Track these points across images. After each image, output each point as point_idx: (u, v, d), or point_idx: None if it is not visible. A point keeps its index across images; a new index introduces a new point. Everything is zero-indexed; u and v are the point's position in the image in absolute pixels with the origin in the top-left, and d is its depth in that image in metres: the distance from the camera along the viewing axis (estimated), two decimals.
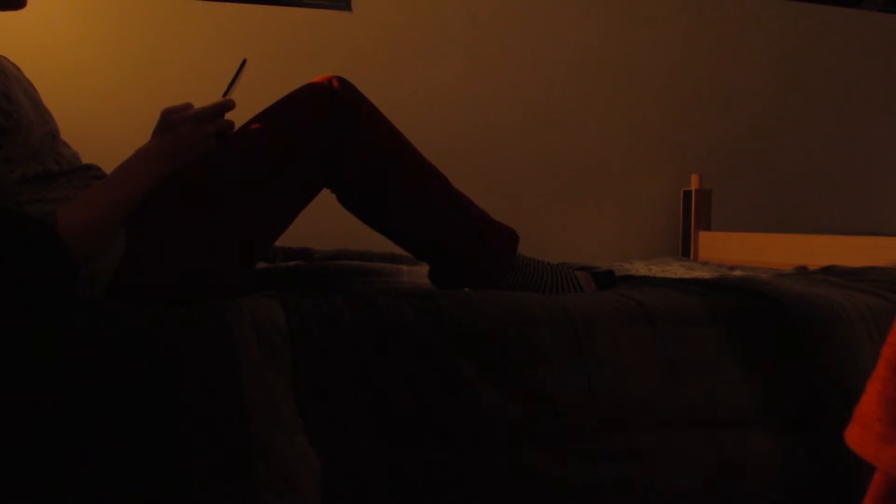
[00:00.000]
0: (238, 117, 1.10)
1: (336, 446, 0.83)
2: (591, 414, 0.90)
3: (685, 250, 2.34)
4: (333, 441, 0.83)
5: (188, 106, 1.06)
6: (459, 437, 0.86)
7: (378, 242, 1.31)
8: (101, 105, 1.93)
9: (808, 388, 0.98)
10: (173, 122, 1.04)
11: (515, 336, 0.92)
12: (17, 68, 1.15)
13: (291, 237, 1.30)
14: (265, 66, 1.93)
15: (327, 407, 0.84)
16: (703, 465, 0.91)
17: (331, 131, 1.09)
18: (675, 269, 1.74)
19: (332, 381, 0.85)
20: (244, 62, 1.13)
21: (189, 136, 1.04)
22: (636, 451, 0.90)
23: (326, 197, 1.15)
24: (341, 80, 1.11)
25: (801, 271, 1.46)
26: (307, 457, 0.81)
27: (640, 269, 1.77)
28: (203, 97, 1.14)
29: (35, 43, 1.87)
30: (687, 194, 2.34)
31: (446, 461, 0.85)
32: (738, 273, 1.67)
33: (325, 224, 1.56)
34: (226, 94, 1.11)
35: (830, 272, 1.34)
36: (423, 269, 1.37)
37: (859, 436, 0.48)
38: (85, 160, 1.15)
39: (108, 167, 1.08)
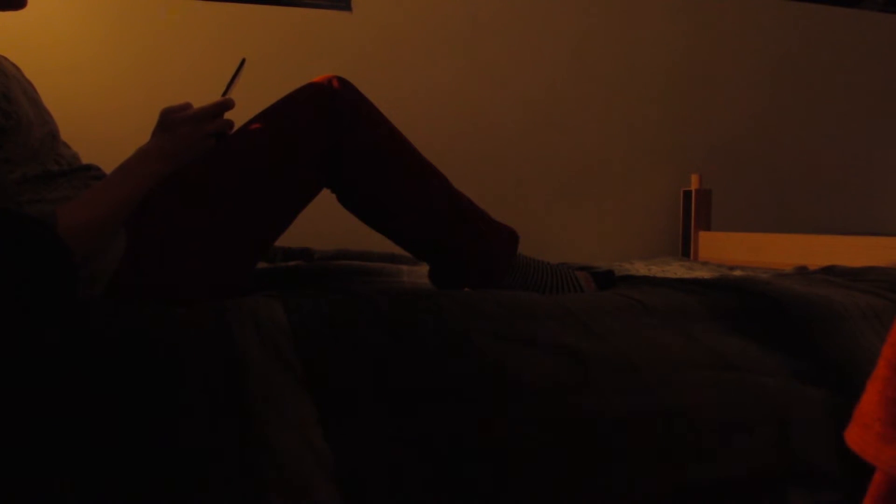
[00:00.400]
0: (238, 117, 1.10)
1: (336, 446, 0.83)
2: (582, 423, 0.89)
3: (685, 250, 2.34)
4: (344, 440, 0.83)
5: (188, 105, 1.06)
6: (460, 437, 0.86)
7: (378, 242, 1.31)
8: (101, 105, 1.93)
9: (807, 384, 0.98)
10: (173, 121, 1.04)
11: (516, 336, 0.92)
12: (17, 68, 1.15)
13: (291, 237, 1.30)
14: (265, 66, 1.93)
15: (327, 406, 0.84)
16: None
17: (331, 131, 1.09)
18: (675, 269, 1.74)
19: (332, 380, 0.85)
20: (243, 61, 1.13)
21: (189, 135, 1.04)
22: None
23: (326, 197, 1.15)
24: (341, 80, 1.11)
25: (801, 271, 1.46)
26: (320, 454, 0.81)
27: (640, 269, 1.77)
28: (203, 97, 1.14)
29: (35, 43, 1.87)
30: (687, 194, 2.34)
31: (448, 462, 0.85)
32: (738, 273, 1.67)
33: (325, 224, 1.56)
34: (225, 93, 1.11)
35: (830, 272, 1.34)
36: (423, 269, 1.37)
37: (859, 436, 0.48)
38: (85, 160, 1.15)
39: (108, 167, 1.08)
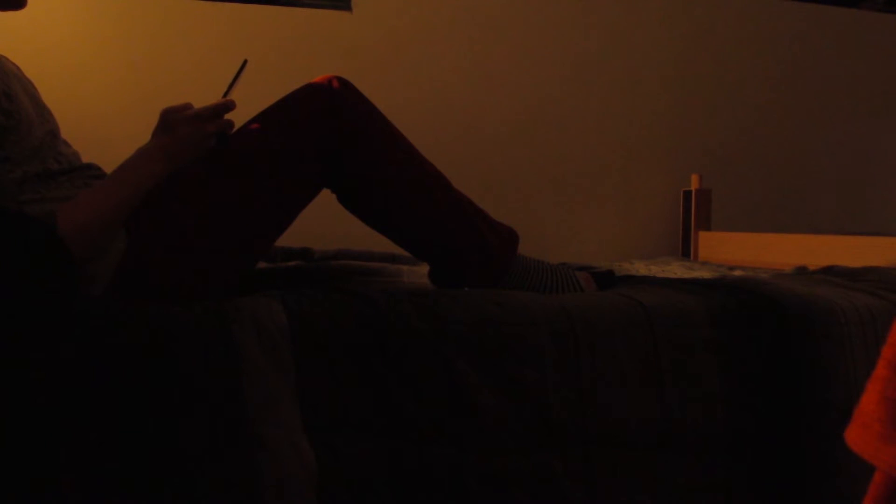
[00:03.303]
0: (238, 117, 1.10)
1: (335, 445, 0.83)
2: (581, 423, 0.91)
3: (685, 250, 2.34)
4: (333, 440, 0.83)
5: (188, 106, 1.06)
6: (458, 438, 0.86)
7: (378, 242, 1.31)
8: (101, 105, 1.93)
9: (794, 394, 0.98)
10: (173, 122, 1.04)
11: (515, 336, 0.92)
12: (17, 67, 1.15)
13: (291, 237, 1.30)
14: (265, 66, 1.93)
15: (327, 406, 0.85)
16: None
17: (330, 131, 1.09)
18: (675, 269, 1.74)
19: (332, 380, 0.85)
20: (245, 63, 1.13)
21: (189, 136, 1.04)
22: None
23: (326, 197, 1.15)
24: (341, 80, 1.11)
25: (801, 271, 1.46)
26: (305, 456, 0.81)
27: (640, 269, 1.77)
28: (203, 97, 1.14)
29: (35, 43, 1.86)
30: (687, 194, 2.34)
31: (445, 461, 0.85)
32: (738, 273, 1.67)
33: (325, 224, 1.56)
34: (226, 94, 1.11)
35: (830, 272, 1.34)
36: (423, 269, 1.37)
37: (859, 436, 0.48)
38: (85, 160, 1.15)
39: (108, 167, 1.08)
